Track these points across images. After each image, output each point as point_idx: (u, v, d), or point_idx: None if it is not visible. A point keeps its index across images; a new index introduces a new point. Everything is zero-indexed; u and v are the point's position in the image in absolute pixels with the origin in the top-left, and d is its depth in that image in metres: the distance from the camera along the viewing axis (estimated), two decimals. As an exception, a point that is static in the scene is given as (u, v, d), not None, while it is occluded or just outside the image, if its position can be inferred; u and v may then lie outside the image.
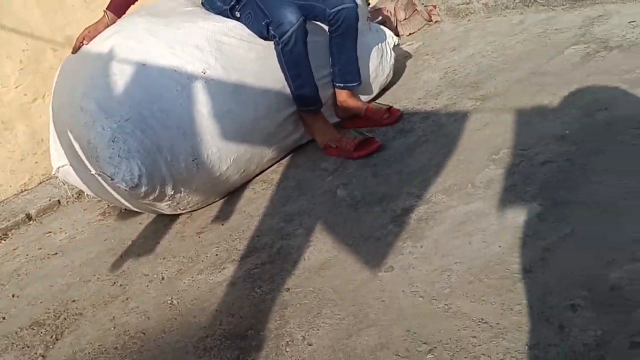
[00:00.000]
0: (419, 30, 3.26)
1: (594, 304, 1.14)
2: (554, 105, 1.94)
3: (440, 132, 2.10)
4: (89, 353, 1.63)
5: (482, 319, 1.21)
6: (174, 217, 2.27)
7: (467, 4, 3.09)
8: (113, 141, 1.89)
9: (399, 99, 2.52)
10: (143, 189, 1.92)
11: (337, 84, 2.38)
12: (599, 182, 1.49)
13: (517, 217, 1.49)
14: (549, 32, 2.53)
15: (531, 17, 2.77)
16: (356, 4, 2.26)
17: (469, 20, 3.09)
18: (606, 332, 1.07)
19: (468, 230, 1.51)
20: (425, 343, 1.21)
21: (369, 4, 3.07)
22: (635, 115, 1.69)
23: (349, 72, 2.35)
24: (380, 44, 2.59)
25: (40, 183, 3.09)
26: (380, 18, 3.15)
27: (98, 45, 2.12)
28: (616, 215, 1.35)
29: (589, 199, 1.44)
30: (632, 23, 2.28)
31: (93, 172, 1.98)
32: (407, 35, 3.26)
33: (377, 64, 2.55)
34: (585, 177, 1.53)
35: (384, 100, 2.56)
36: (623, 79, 1.91)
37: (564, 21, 2.58)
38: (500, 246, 1.41)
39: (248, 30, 2.23)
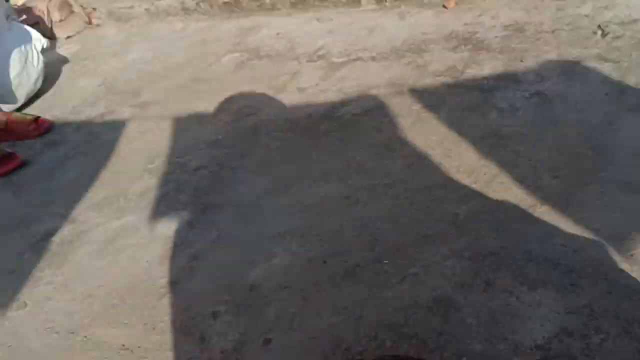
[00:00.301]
0: (78, 33, 2.98)
1: (234, 307, 1.14)
2: (209, 112, 1.96)
3: (95, 142, 1.92)
4: None
5: (123, 345, 1.11)
6: None
7: (130, 8, 2.96)
8: None
9: (51, 107, 2.25)
10: None
11: (-35, 91, 1.99)
12: (245, 183, 1.53)
13: (168, 227, 1.42)
14: (208, 41, 2.57)
15: (192, 25, 2.79)
16: (-18, -3, 1.92)
17: (131, 25, 2.96)
18: (243, 334, 1.08)
19: (116, 248, 1.39)
20: (55, 388, 1.05)
21: (7, 0, 2.66)
22: (277, 120, 1.81)
23: (-20, 77, 1.99)
24: (24, 47, 2.26)
25: None
26: (27, 18, 2.78)
27: None
28: (257, 214, 1.40)
29: (234, 200, 1.47)
30: (279, 35, 2.47)
31: None
32: (66, 39, 2.95)
33: (21, 69, 2.22)
34: (232, 180, 1.56)
35: (33, 109, 2.25)
36: (270, 85, 2.04)
37: (222, 30, 2.65)
38: (148, 261, 1.32)
39: None
